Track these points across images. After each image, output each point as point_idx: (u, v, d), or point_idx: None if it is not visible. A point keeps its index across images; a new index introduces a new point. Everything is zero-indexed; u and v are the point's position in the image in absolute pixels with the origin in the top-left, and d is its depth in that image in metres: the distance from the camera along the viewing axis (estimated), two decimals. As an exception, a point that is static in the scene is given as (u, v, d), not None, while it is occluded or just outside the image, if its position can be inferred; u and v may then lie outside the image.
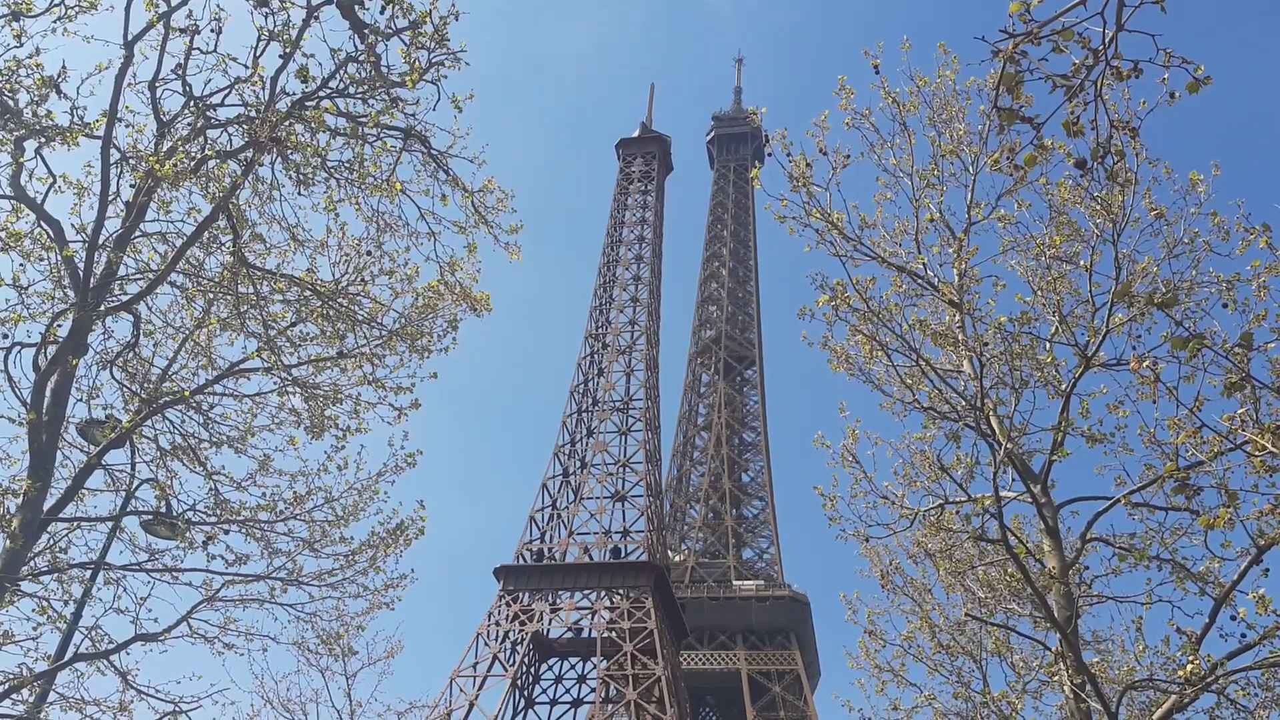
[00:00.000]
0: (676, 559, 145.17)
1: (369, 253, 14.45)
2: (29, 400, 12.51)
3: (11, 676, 12.39)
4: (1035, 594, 10.95)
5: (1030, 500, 11.90)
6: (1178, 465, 10.33)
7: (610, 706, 73.91)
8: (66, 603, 13.69)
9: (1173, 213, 11.98)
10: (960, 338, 12.47)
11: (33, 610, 13.06)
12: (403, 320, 14.93)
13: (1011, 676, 15.71)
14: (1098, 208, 11.96)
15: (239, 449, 15.20)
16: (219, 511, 14.74)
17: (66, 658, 13.45)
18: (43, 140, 12.45)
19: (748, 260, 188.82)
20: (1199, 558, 11.41)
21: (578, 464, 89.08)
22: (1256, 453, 8.72)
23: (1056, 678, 12.51)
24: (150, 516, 14.77)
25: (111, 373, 14.11)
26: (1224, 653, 10.75)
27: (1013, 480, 12.22)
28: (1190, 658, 10.37)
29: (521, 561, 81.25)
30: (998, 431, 11.69)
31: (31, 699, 13.11)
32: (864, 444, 13.84)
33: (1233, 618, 10.70)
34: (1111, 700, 11.03)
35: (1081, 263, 12.32)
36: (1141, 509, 11.69)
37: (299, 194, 13.75)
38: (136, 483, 14.72)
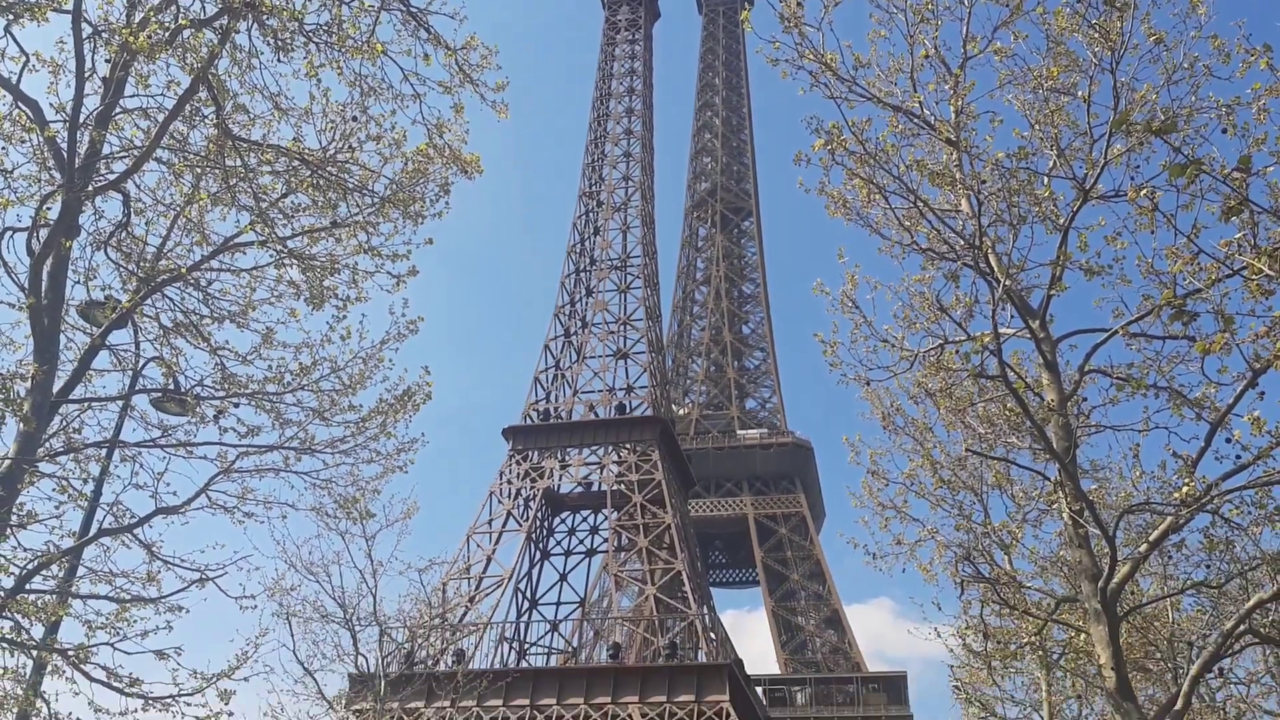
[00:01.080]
0: (681, 412, 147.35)
1: (354, 118, 14.20)
2: (27, 285, 12.51)
3: (40, 554, 12.75)
4: (1034, 427, 11.16)
5: (1029, 336, 11.99)
6: (1175, 294, 10.37)
7: (623, 555, 76.15)
8: (85, 481, 13.97)
9: (1172, 37, 11.67)
10: (958, 176, 12.35)
11: (53, 490, 13.34)
12: (394, 186, 14.77)
13: (1012, 507, 16.15)
14: (1095, 35, 11.66)
15: (241, 323, 15.24)
16: (227, 386, 14.87)
17: (91, 534, 13.80)
18: (10, 17, 12.07)
19: (741, 108, 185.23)
20: (1195, 384, 11.57)
21: (579, 324, 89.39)
22: (1253, 276, 8.74)
23: (1055, 506, 12.85)
24: (159, 394, 14.95)
25: (106, 253, 14.05)
26: (1219, 474, 11.03)
27: (1011, 317, 12.29)
28: (1186, 480, 10.63)
29: (529, 421, 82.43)
30: (996, 269, 11.70)
31: (61, 574, 13.52)
32: (863, 289, 13.86)
33: (1228, 440, 10.92)
34: (1109, 525, 11.37)
35: (1079, 93, 12.08)
36: (1139, 339, 11.76)
37: (279, 61, 13.42)
38: (142, 362, 14.84)
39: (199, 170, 14.45)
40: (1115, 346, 11.65)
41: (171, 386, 14.90)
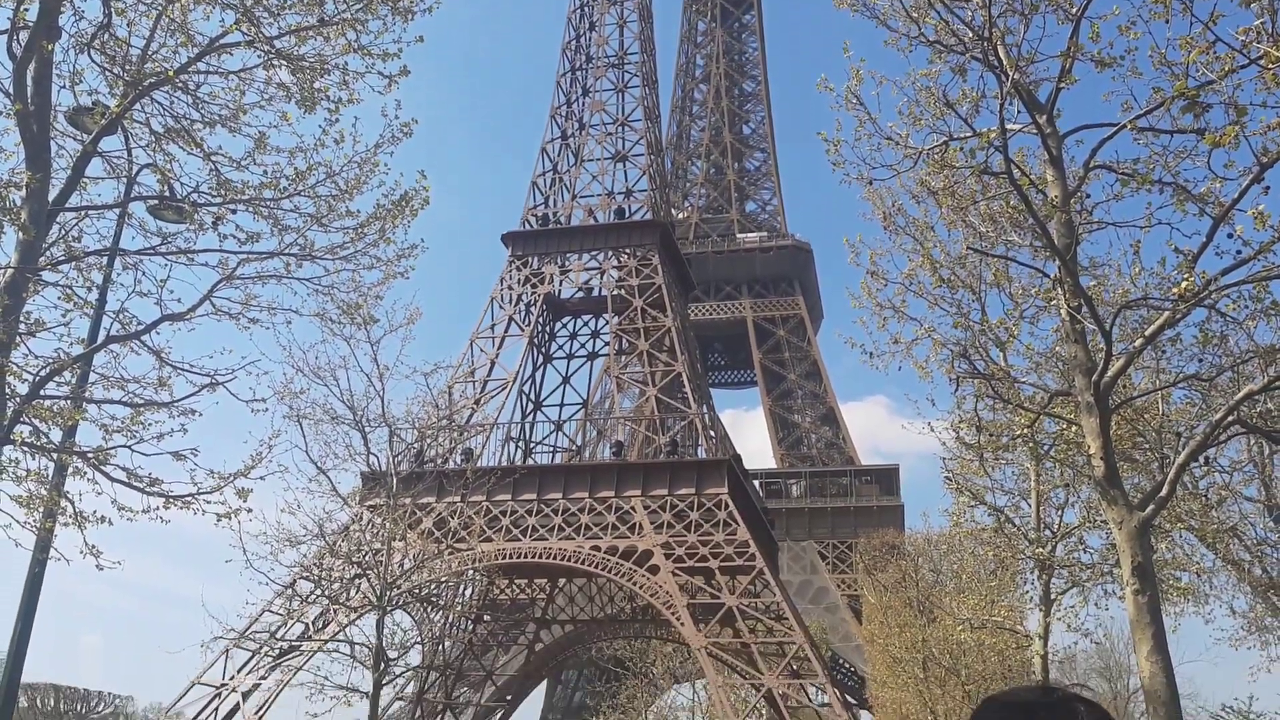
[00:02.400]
0: (680, 216, 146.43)
1: (337, -93, 13.52)
2: (11, 90, 12.23)
3: (51, 360, 12.96)
4: (1037, 223, 11.12)
5: (1035, 131, 11.78)
6: (1187, 85, 10.13)
7: (624, 358, 77.30)
8: (89, 290, 14.04)
9: None
10: (968, -39, 11.84)
11: (58, 299, 13.44)
12: (382, -21, 14.21)
13: (1009, 305, 16.27)
14: None
15: (233, 128, 14.95)
16: (223, 192, 14.74)
17: (99, 341, 13.98)
18: None
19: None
20: (1201, 179, 11.43)
21: (575, 125, 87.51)
22: (1270, 65, 8.51)
23: (1053, 303, 12.95)
24: (156, 201, 14.85)
25: (90, 55, 13.65)
26: (1218, 270, 11.05)
27: (1018, 112, 12.04)
28: (1185, 275, 10.68)
29: (528, 227, 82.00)
30: (1005, 62, 11.38)
31: (74, 381, 13.78)
32: (868, 85, 13.49)
33: (1230, 235, 10.90)
34: (1106, 320, 11.49)
35: None
36: (1147, 133, 11.55)
37: None
38: (136, 168, 14.67)
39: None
40: (1122, 141, 11.48)
41: (167, 193, 14.79)
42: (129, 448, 13.77)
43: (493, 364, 74.53)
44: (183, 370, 14.52)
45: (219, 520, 14.85)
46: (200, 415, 14.70)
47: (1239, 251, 10.93)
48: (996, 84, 11.51)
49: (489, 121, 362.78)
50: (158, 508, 14.38)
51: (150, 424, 14.19)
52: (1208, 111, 9.67)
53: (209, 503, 14.65)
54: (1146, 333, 11.58)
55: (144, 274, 14.42)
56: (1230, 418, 11.72)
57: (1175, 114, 10.59)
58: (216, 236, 14.56)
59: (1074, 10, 11.56)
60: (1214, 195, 11.27)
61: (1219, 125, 10.44)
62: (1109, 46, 11.27)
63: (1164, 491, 11.45)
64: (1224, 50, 9.20)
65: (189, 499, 14.49)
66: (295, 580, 33.97)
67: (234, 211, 14.79)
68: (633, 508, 63.59)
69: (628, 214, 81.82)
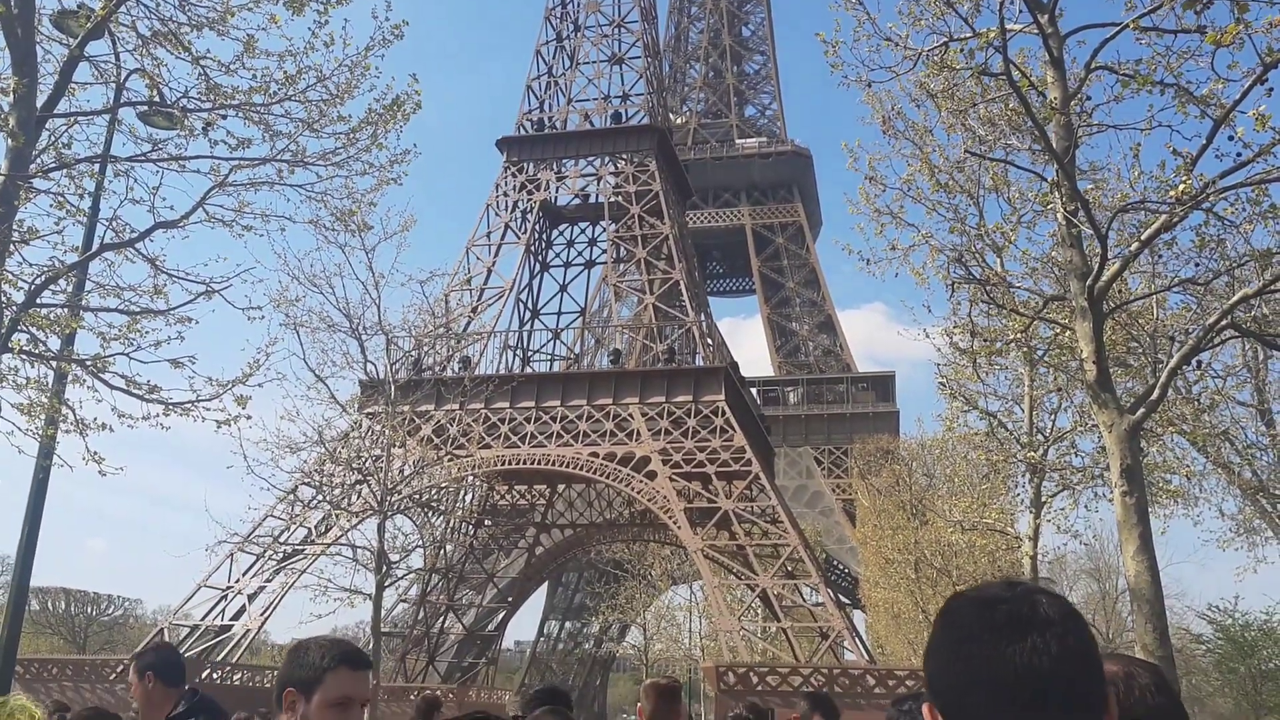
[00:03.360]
0: (678, 121, 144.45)
1: None
2: (-8, -8, 11.98)
3: (46, 268, 12.95)
4: (1035, 126, 11.01)
5: (1036, 31, 11.59)
6: (1192, -18, 9.94)
7: (622, 265, 77.07)
8: (81, 197, 13.96)
9: None
10: None
11: (51, 206, 13.37)
12: (368, -124, 13.82)
13: (1007, 209, 16.20)
14: None
15: (221, 31, 14.67)
16: (213, 97, 14.54)
17: (94, 248, 13.94)
18: None
19: None
20: (1204, 80, 11.29)
21: (570, 27, 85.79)
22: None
23: (1050, 207, 12.89)
24: (146, 107, 14.66)
25: (72, -44, 13.35)
26: (1217, 172, 10.99)
27: (1020, 11, 11.82)
28: (1183, 178, 10.62)
29: (523, 132, 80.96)
30: (1007, -42, 11.15)
31: (70, 289, 13.78)
32: (868, -16, 13.23)
33: (1230, 138, 10.80)
34: (1102, 224, 11.46)
35: None
36: (1150, 33, 11.35)
37: None
38: (125, 74, 14.46)
39: None
40: (1124, 42, 11.28)
41: (157, 99, 14.60)
42: (127, 355, 13.83)
43: (490, 272, 74.33)
44: (178, 278, 14.52)
45: (219, 427, 14.99)
46: (197, 323, 14.75)
47: (1239, 154, 10.84)
48: (998, -18, 11.28)
49: (485, 20, 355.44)
50: (157, 415, 14.49)
51: (147, 332, 14.23)
52: (1209, 8, 9.51)
53: (208, 410, 14.77)
54: (1143, 236, 11.56)
55: (136, 181, 14.33)
56: (1224, 321, 11.77)
57: (1179, 12, 10.41)
58: (207, 143, 14.41)
59: (1079, -95, 11.29)
60: (1216, 97, 11.14)
61: (1223, 24, 10.28)
62: (1114, -57, 11.01)
63: (1155, 395, 11.55)
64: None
65: (188, 406, 14.59)
66: (297, 486, 34.41)
67: (224, 117, 14.62)
68: (630, 414, 64.09)
69: (624, 119, 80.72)
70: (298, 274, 24.47)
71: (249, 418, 15.30)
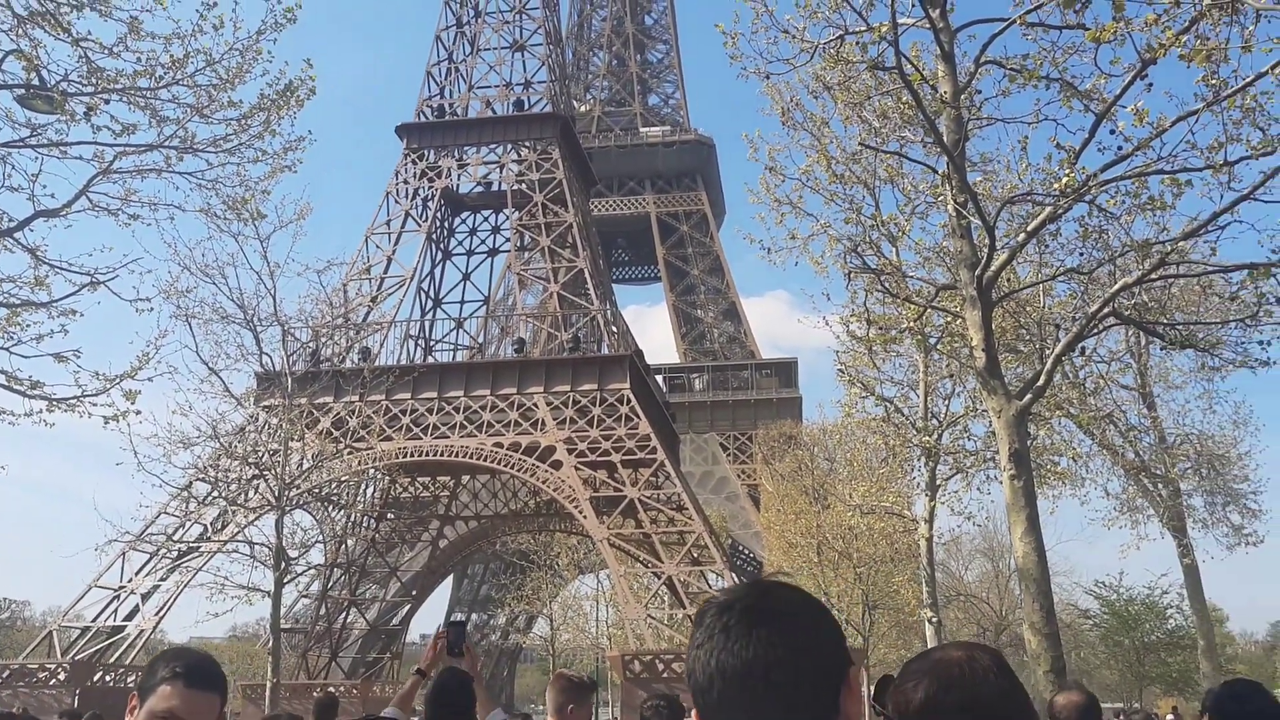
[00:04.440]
0: (582, 109, 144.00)
1: None
2: None
3: (-85, 258, 12.34)
4: (925, 120, 11.26)
5: (928, 26, 11.84)
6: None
7: (526, 254, 76.59)
8: (-46, 184, 13.35)
9: None
10: None
11: (-80, 193, 12.75)
12: None
13: (901, 200, 16.55)
14: None
15: (103, 11, 14.14)
16: (95, 81, 14.01)
17: (-32, 238, 13.34)
18: None
19: None
20: (1088, 75, 11.67)
21: (471, 12, 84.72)
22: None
23: (942, 198, 13.19)
24: (23, 90, 14.05)
25: (-62, -71, 12.70)
26: (1099, 165, 11.39)
27: (912, 6, 12.06)
28: (1067, 171, 10.97)
29: (423, 119, 79.76)
30: (899, -46, 11.35)
31: (-60, 282, 13.18)
32: (765, -25, 13.35)
33: (1112, 132, 11.20)
34: (991, 215, 11.78)
35: None
36: (1037, 29, 11.70)
37: None
38: (0, 54, 13.83)
39: None
40: (1012, 37, 11.60)
41: (36, 82, 14.01)
42: (6, 349, 13.34)
43: (389, 260, 73.15)
44: (61, 269, 14.03)
45: (106, 423, 14.54)
46: (82, 316, 14.28)
47: (1120, 147, 11.25)
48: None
49: (380, 3, 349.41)
50: (40, 411, 14.00)
51: (28, 325, 13.73)
52: (1087, 7, 9.84)
53: (94, 405, 14.32)
54: (1029, 228, 11.92)
55: (14, 168, 13.76)
56: (1106, 309, 12.21)
57: (1062, 7, 10.74)
58: (90, 128, 13.90)
59: (969, -98, 11.54)
60: (1099, 92, 11.53)
61: (1106, 20, 10.63)
62: (1001, -60, 11.31)
63: (1041, 381, 11.94)
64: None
65: (73, 402, 14.13)
66: (191, 482, 33.44)
67: (108, 101, 14.10)
68: (535, 404, 63.83)
69: (527, 106, 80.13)
70: (189, 264, 23.78)
71: (138, 413, 14.88)
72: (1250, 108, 10.81)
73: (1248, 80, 10.32)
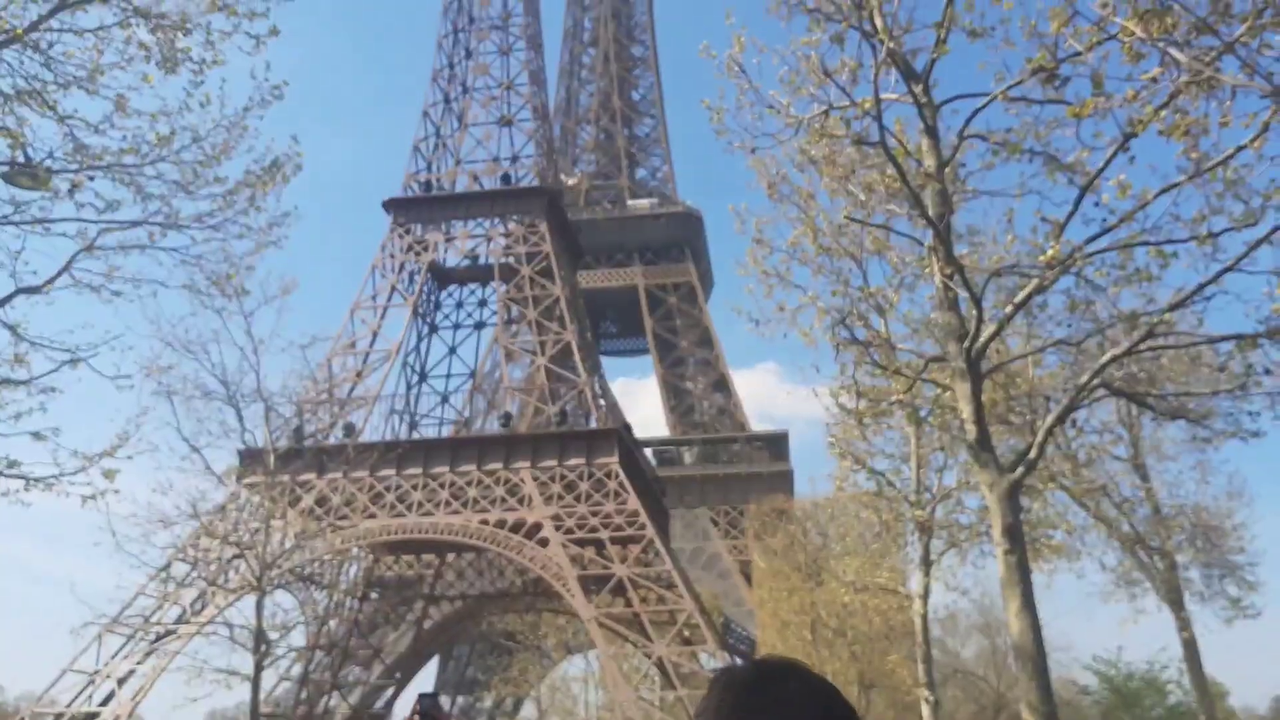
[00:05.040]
0: (570, 182, 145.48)
1: None
2: None
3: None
4: (910, 193, 11.27)
5: (911, 100, 11.91)
6: (1056, 56, 10.35)
7: (513, 327, 76.66)
8: (-67, 261, 13.24)
9: None
10: (846, -70, 11.88)
11: (-102, 269, 12.63)
12: (245, -66, 13.58)
13: (889, 272, 16.54)
14: None
15: (90, 90, 14.17)
16: (80, 157, 14.00)
17: (-54, 317, 13.18)
18: None
19: None
20: (1071, 148, 11.73)
21: (459, 89, 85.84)
22: (1126, 39, 8.74)
23: (929, 270, 13.17)
24: (8, 167, 14.02)
25: (-74, 11, 12.75)
26: (1084, 238, 11.39)
27: (895, 81, 12.14)
28: (1053, 243, 10.96)
29: (410, 193, 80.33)
30: (881, 30, 11.46)
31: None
32: (750, 53, 13.50)
33: (1096, 204, 11.22)
34: (978, 287, 11.73)
35: None
36: (1019, 103, 11.79)
37: None
38: (-17, 132, 13.81)
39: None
40: (995, 112, 11.69)
41: (21, 159, 13.98)
42: (-18, 429, 13.09)
43: (375, 335, 73.09)
44: (41, 346, 13.87)
45: (84, 502, 14.28)
46: (61, 393, 14.10)
47: (1104, 219, 11.27)
48: (873, 54, 11.60)
49: (370, 80, 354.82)
50: (17, 490, 13.75)
51: (7, 403, 13.55)
52: (1066, 83, 9.91)
53: (73, 484, 14.07)
54: (1016, 300, 11.87)
55: (-5, 245, 13.67)
56: (1095, 381, 12.11)
57: (1042, 84, 10.82)
58: (74, 205, 13.86)
59: (949, -20, 11.68)
60: (1082, 165, 11.57)
61: (1087, 95, 10.70)
62: (981, 17, 11.44)
63: (1032, 454, 11.79)
64: (1087, 23, 9.43)
65: (51, 481, 13.88)
66: (170, 562, 32.88)
67: (92, 178, 14.08)
68: (522, 479, 63.32)
69: (514, 180, 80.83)
70: (171, 340, 23.62)
71: (117, 491, 14.63)
72: (1232, 180, 10.85)
73: (1228, 153, 10.37)
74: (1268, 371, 12.39)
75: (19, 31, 13.01)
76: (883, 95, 11.46)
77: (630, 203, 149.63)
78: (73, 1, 13.44)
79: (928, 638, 22.62)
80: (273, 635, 23.75)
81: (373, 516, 61.43)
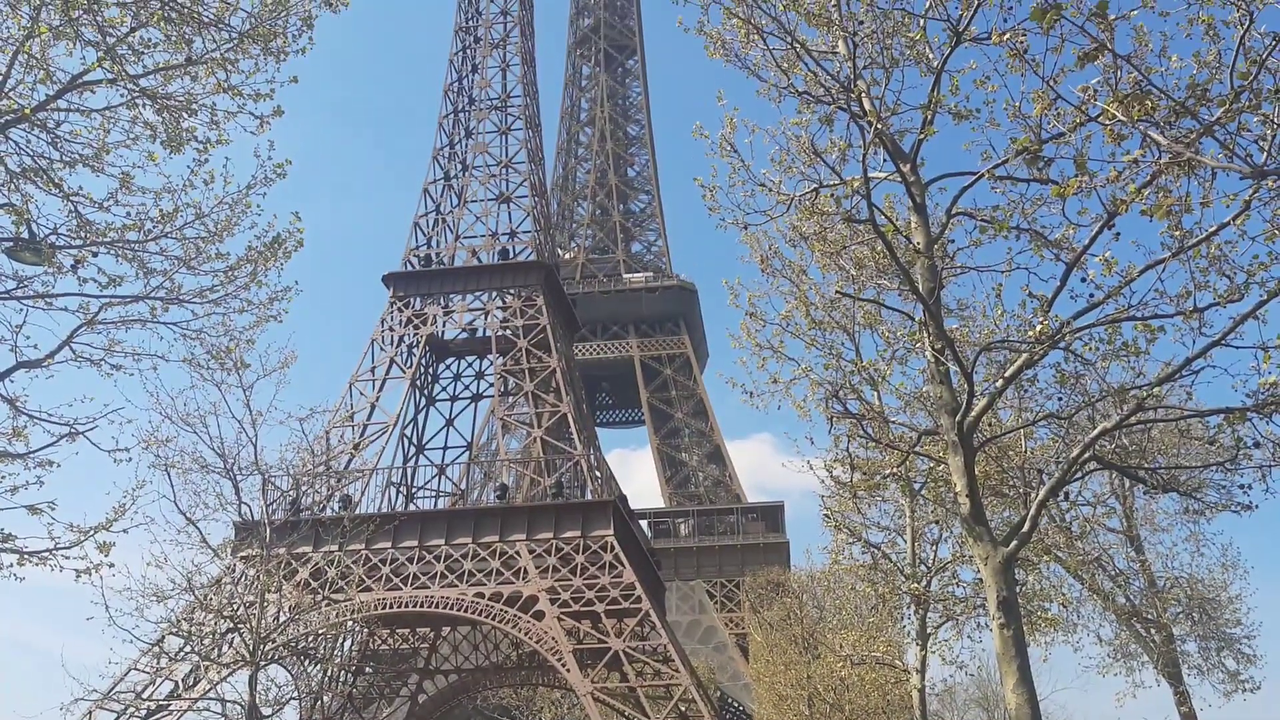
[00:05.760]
0: (567, 256, 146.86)
1: (206, -54, 13.26)
2: None
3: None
4: (900, 269, 11.50)
5: (899, 179, 12.22)
6: (1040, 137, 10.65)
7: (509, 399, 76.72)
8: (-65, 335, 13.38)
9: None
10: (834, 17, 12.27)
11: (-99, 344, 12.76)
12: (253, 20, 13.97)
13: (881, 345, 16.76)
14: None
15: (95, 168, 14.45)
16: (84, 234, 14.22)
17: (-53, 390, 13.29)
18: None
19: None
20: (1057, 225, 12.00)
21: (459, 167, 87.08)
22: (1107, 121, 9.02)
23: (920, 345, 13.36)
24: (12, 242, 14.23)
25: (-60, 92, 13.06)
26: (1072, 313, 11.60)
27: (883, 161, 12.47)
28: (1041, 319, 11.16)
29: (410, 268, 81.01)
30: (869, 112, 11.79)
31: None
32: (742, 133, 13.86)
33: (1083, 280, 11.44)
34: (969, 361, 11.91)
35: (955, -68, 11.98)
36: (1005, 182, 12.07)
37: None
38: (-11, 210, 14.05)
39: (38, 2, 13.40)
40: (981, 189, 11.98)
41: (25, 235, 14.20)
42: (-22, 504, 13.12)
43: (373, 407, 73.09)
44: (40, 419, 13.94)
45: (79, 576, 14.25)
46: (59, 466, 14.13)
47: (1091, 295, 11.48)
48: (861, 134, 11.91)
49: (371, 157, 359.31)
50: (11, 565, 13.72)
51: (3, 477, 13.57)
52: (1050, 165, 10.19)
53: (67, 558, 14.05)
54: (1006, 374, 12.04)
55: (-2, 319, 13.82)
56: (1086, 454, 12.23)
57: (1027, 165, 11.11)
58: (76, 279, 14.05)
59: (935, 63, 12.06)
60: (1068, 241, 11.82)
61: (1071, 174, 10.98)
62: (966, 99, 11.77)
63: (1026, 528, 11.86)
64: (1069, 105, 9.73)
65: (45, 555, 13.86)
66: (164, 637, 32.53)
67: (96, 254, 14.27)
68: (518, 552, 62.88)
69: (512, 255, 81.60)
70: (170, 413, 23.70)
71: (111, 565, 14.59)
72: (1216, 256, 11.09)
73: (1211, 230, 10.61)
74: (1257, 445, 12.51)
75: (27, 111, 13.31)
76: (871, 174, 11.77)
77: (626, 276, 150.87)
78: (81, 83, 13.75)
79: (925, 712, 22.40)
80: (266, 710, 23.45)
81: (368, 589, 60.83)
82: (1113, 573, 26.45)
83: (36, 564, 13.90)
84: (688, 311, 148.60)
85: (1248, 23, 9.09)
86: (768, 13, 12.44)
